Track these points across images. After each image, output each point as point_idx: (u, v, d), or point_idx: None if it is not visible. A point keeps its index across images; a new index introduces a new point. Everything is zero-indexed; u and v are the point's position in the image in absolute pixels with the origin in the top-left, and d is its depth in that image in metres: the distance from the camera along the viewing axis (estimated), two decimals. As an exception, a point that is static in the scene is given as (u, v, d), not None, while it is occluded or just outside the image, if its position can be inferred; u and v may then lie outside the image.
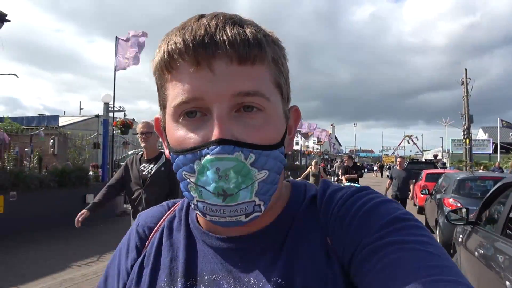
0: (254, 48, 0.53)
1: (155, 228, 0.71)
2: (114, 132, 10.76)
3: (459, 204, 6.71)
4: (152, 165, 3.79)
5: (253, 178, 0.53)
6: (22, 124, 15.44)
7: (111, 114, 10.94)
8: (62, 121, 16.91)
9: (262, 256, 0.59)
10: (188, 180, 0.54)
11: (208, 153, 0.51)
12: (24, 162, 11.94)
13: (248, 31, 0.53)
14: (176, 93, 0.54)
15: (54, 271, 5.51)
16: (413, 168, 18.91)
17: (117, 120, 10.14)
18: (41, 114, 19.57)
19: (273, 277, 0.56)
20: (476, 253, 3.32)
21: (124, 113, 11.65)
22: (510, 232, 2.93)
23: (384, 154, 76.48)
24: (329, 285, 0.54)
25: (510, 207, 3.00)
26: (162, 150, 3.91)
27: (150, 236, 0.70)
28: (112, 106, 10.53)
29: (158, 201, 3.37)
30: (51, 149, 14.35)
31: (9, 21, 11.96)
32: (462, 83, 29.21)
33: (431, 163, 22.22)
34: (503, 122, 37.42)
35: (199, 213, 0.57)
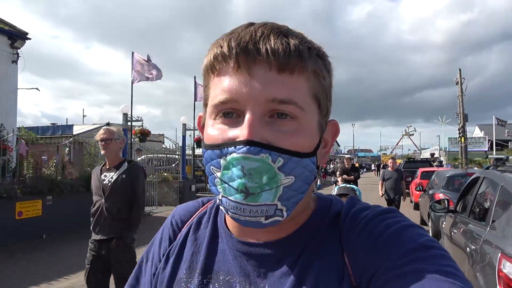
0: (295, 58, 0.55)
1: (187, 222, 0.75)
2: (132, 140, 11.65)
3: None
4: (113, 173, 3.51)
5: (278, 182, 0.54)
6: (37, 134, 16.25)
7: (129, 123, 11.79)
8: (75, 130, 17.79)
9: (279, 265, 0.60)
10: (214, 174, 0.57)
11: (235, 152, 0.53)
12: (43, 169, 12.76)
13: (292, 42, 0.55)
14: (216, 93, 0.57)
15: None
16: (409, 167, 19.78)
17: (136, 129, 11.06)
18: (53, 123, 20.45)
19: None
20: (451, 233, 4.19)
21: (142, 123, 12.54)
22: (474, 213, 3.79)
23: (383, 153, 77.13)
24: None
25: (475, 195, 3.86)
26: (126, 157, 3.70)
27: (183, 229, 0.74)
28: (130, 116, 11.44)
29: (121, 212, 3.65)
30: (67, 157, 15.14)
31: (29, 39, 12.87)
32: (457, 83, 30.15)
33: (427, 162, 22.99)
34: (498, 120, 38.39)
35: (222, 208, 0.58)
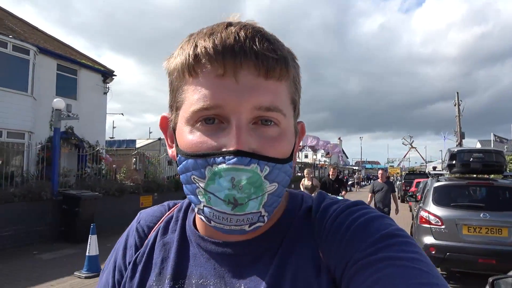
0: (281, 64, 0.55)
1: (154, 228, 0.73)
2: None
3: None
4: None
5: (264, 189, 0.55)
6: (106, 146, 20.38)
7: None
8: (137, 144, 22.10)
9: (255, 264, 0.61)
10: (197, 184, 0.55)
11: (224, 162, 0.52)
12: (116, 175, 16.79)
13: (276, 46, 0.55)
14: (197, 98, 0.55)
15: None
16: (409, 178, 23.52)
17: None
18: (111, 137, 24.78)
19: (262, 286, 0.57)
20: (414, 209, 8.07)
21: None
22: (422, 198, 7.63)
23: (390, 166, 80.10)
24: None
25: (424, 190, 7.76)
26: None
27: (149, 235, 0.72)
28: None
29: None
30: (134, 166, 19.21)
31: (115, 75, 17.05)
32: (455, 104, 33.67)
33: (424, 174, 26.62)
34: (496, 137, 41.61)
35: (203, 218, 0.57)
